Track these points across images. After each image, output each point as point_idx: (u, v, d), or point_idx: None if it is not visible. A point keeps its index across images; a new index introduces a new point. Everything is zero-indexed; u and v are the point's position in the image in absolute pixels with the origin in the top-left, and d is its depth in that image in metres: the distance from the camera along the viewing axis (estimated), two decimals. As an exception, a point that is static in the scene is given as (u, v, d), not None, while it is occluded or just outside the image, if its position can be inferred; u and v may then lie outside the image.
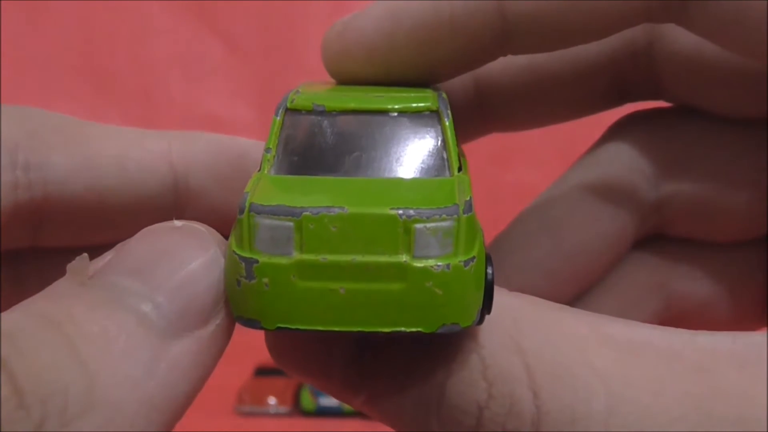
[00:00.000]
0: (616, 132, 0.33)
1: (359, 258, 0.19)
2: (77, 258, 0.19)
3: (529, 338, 0.20)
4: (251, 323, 0.19)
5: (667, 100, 0.32)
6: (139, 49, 0.91)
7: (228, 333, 0.20)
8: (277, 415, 0.77)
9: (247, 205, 0.19)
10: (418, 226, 0.19)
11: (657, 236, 0.33)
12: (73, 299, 0.18)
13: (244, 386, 0.78)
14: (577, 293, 0.32)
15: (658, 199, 0.32)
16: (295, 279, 0.19)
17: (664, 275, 0.32)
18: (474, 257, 0.19)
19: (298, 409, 0.78)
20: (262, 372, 0.80)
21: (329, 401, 0.78)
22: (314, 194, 0.20)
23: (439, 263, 0.19)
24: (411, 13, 0.25)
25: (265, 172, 0.22)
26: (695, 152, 0.31)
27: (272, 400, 0.78)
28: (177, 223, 0.21)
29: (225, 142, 0.28)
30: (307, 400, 0.77)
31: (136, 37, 0.92)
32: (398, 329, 0.19)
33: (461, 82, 0.31)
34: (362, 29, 0.25)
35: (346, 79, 0.26)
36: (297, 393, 0.78)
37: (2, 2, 0.89)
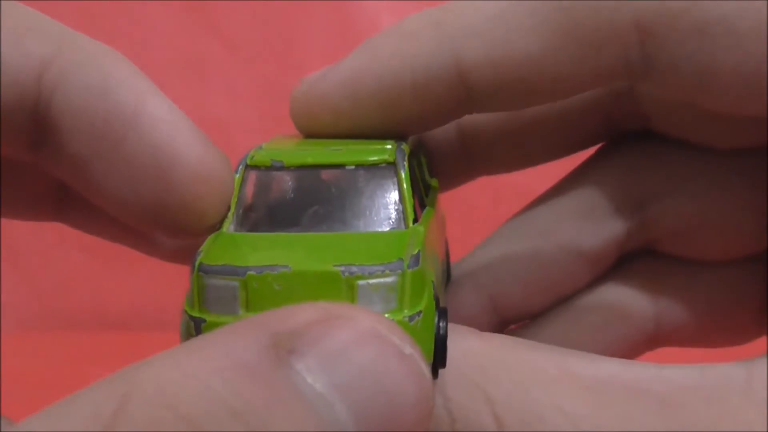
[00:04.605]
0: (604, 151, 0.33)
1: None
2: (286, 331, 0.17)
3: (496, 385, 0.20)
4: None
5: (655, 133, 0.32)
6: (139, 51, 0.91)
7: None
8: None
9: (197, 264, 0.20)
10: (361, 282, 0.19)
11: (647, 253, 0.33)
12: (278, 391, 0.16)
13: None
14: (551, 304, 0.32)
15: (644, 218, 0.32)
16: None
17: (652, 292, 0.32)
18: (420, 312, 0.19)
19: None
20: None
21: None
22: (263, 252, 0.20)
23: None
24: (372, 78, 0.25)
25: (224, 229, 0.22)
26: (682, 174, 0.31)
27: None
28: (407, 348, 0.17)
29: (117, 90, 0.23)
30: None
31: (137, 39, 0.92)
32: None
33: (444, 130, 0.31)
34: (326, 91, 0.26)
35: (314, 135, 0.27)
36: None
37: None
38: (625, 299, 0.32)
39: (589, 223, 0.32)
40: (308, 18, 0.96)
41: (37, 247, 0.83)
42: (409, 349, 0.17)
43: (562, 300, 0.32)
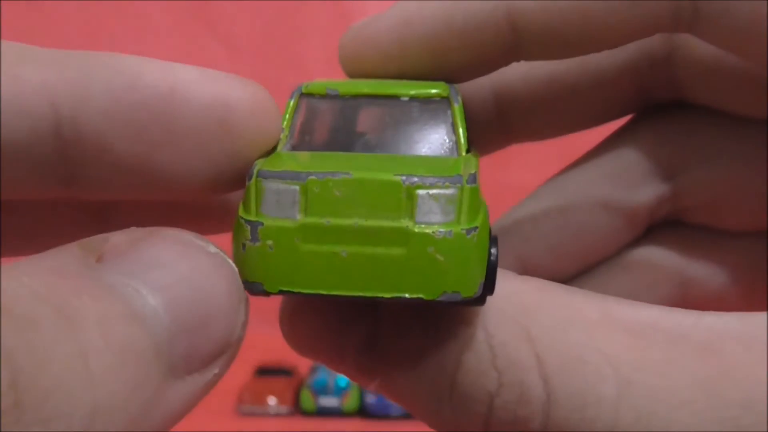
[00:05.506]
0: (636, 121, 0.33)
1: (362, 222, 0.19)
2: (95, 237, 0.18)
3: (538, 325, 0.20)
4: (254, 287, 0.19)
5: (688, 103, 0.32)
6: (139, 51, 0.91)
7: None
8: (277, 415, 0.78)
9: (255, 171, 0.20)
10: (421, 192, 0.19)
11: (675, 223, 0.33)
12: (86, 284, 0.17)
13: (245, 386, 0.78)
14: (580, 270, 0.32)
15: (674, 186, 0.32)
16: (299, 242, 0.19)
17: (680, 261, 0.32)
18: (477, 227, 0.19)
19: (298, 409, 0.78)
20: (262, 372, 0.81)
21: (329, 401, 0.78)
22: (322, 161, 0.20)
23: (441, 229, 0.19)
24: (422, 22, 0.25)
25: (278, 150, 0.22)
26: (712, 144, 0.31)
27: (272, 400, 0.78)
28: (211, 248, 0.19)
29: (144, 75, 0.22)
30: (307, 400, 0.78)
31: (137, 40, 0.92)
32: (399, 295, 0.19)
33: (480, 95, 0.31)
34: (376, 34, 0.26)
35: (362, 77, 0.27)
36: (297, 393, 0.79)
37: (3, 3, 0.89)
38: (653, 266, 0.32)
39: (621, 188, 0.32)
40: (308, 18, 0.96)
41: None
42: (213, 248, 0.18)
43: (590, 267, 0.33)
